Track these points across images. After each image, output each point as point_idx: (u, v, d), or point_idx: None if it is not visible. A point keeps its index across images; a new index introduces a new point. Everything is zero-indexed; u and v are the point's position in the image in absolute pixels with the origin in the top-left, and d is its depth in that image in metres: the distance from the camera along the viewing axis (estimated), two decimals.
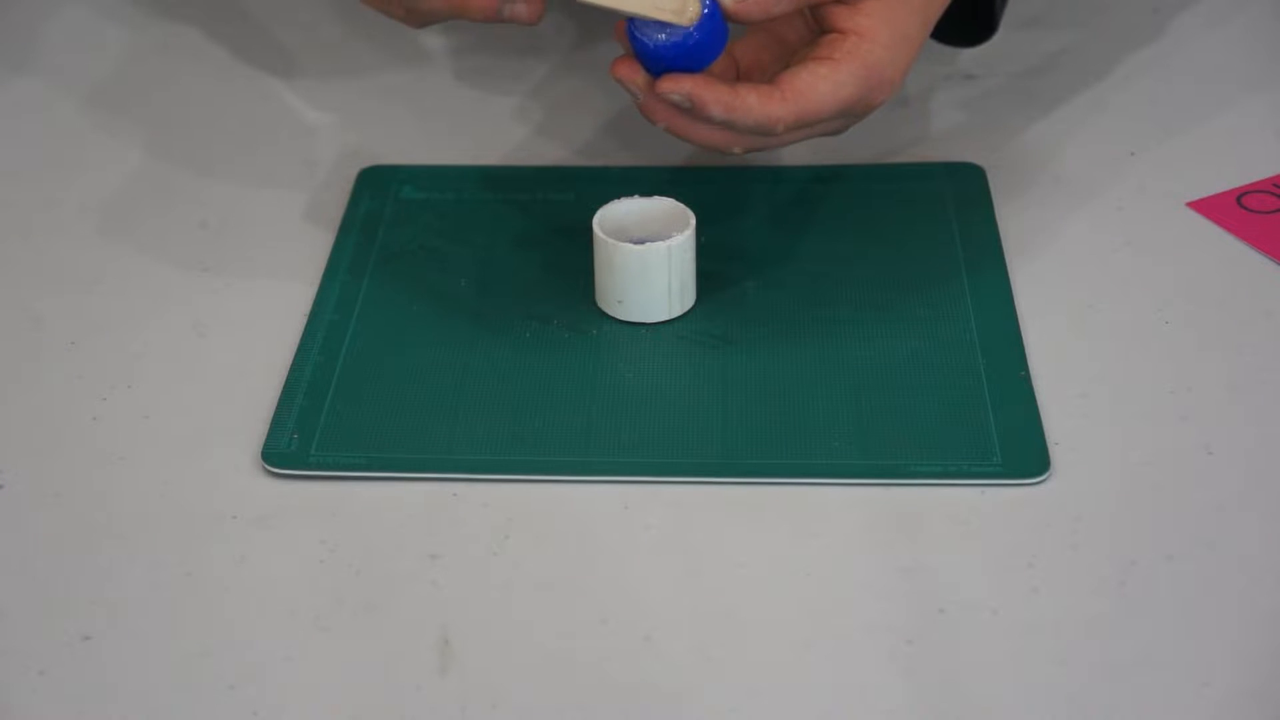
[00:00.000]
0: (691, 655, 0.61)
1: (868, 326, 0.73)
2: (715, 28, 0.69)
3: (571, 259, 0.76)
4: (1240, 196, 0.79)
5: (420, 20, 0.74)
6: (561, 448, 0.68)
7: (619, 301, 0.73)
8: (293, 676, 0.60)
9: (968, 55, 0.89)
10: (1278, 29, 0.92)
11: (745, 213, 0.79)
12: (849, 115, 0.73)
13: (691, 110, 0.70)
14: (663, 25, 0.69)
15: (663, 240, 0.72)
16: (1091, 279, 0.75)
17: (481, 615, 0.62)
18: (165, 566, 0.64)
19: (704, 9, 0.69)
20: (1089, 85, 0.87)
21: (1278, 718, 0.58)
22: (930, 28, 0.74)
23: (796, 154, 0.83)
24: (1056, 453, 0.67)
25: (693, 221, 0.73)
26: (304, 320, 0.74)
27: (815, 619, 0.62)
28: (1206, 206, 0.79)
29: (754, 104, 0.70)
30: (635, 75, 0.71)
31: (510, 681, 0.60)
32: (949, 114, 0.85)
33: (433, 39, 0.93)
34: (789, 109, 0.70)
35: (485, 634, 0.61)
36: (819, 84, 0.71)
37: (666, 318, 0.73)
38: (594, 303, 0.74)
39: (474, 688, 0.60)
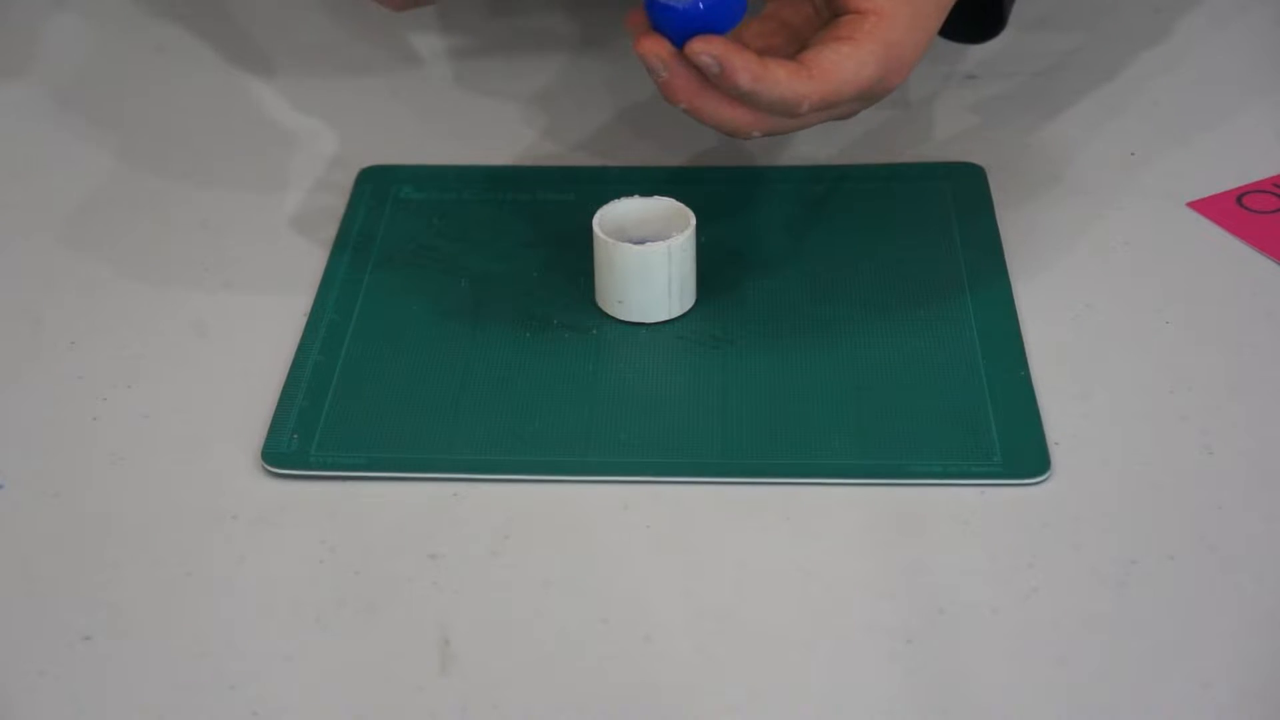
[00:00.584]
0: (691, 655, 0.61)
1: (868, 326, 0.73)
2: None
3: (571, 259, 0.76)
4: (1240, 196, 0.79)
5: (402, 2, 0.74)
6: (561, 448, 0.68)
7: (619, 301, 0.73)
8: (293, 676, 0.60)
9: (969, 56, 0.89)
10: (1278, 31, 0.92)
11: (745, 213, 0.79)
12: (866, 98, 0.72)
13: (719, 76, 0.69)
14: None
15: (663, 240, 0.72)
16: (1091, 279, 0.75)
17: (481, 615, 0.62)
18: (165, 566, 0.64)
19: None
20: (1090, 86, 0.87)
21: (1278, 718, 0.58)
22: (944, 13, 0.74)
23: (797, 154, 0.83)
24: (1056, 453, 0.67)
25: (693, 221, 0.73)
26: (304, 320, 0.74)
27: (815, 619, 0.62)
28: (1206, 206, 0.79)
29: (782, 77, 0.69)
30: (660, 47, 0.70)
31: (510, 681, 0.60)
32: (950, 114, 0.85)
33: (432, 39, 0.93)
34: (815, 88, 0.70)
35: (485, 634, 0.61)
36: (843, 63, 0.70)
37: (666, 318, 0.73)
38: (594, 303, 0.74)
39: (474, 688, 0.60)
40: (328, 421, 0.69)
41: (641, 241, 0.73)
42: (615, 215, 0.74)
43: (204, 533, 0.65)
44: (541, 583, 0.63)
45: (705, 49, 0.69)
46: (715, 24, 0.69)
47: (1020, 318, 0.73)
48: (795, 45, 0.74)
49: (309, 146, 0.85)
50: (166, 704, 0.60)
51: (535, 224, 0.79)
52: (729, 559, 0.64)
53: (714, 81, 0.70)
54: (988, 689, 0.59)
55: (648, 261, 0.72)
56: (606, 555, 0.64)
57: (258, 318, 0.75)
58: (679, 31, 0.69)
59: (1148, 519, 0.65)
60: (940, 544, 0.64)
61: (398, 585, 0.63)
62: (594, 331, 0.73)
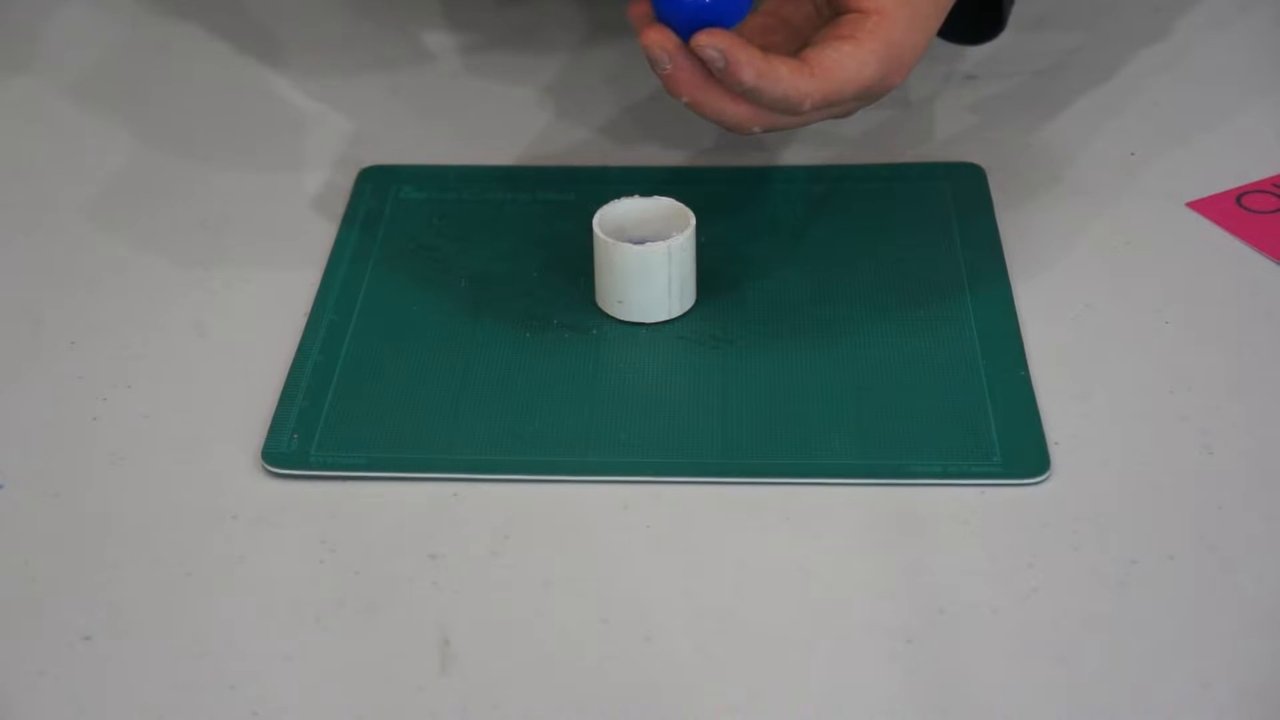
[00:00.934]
0: (691, 655, 0.61)
1: (868, 326, 0.73)
2: None
3: (571, 259, 0.76)
4: (1240, 196, 0.79)
5: None
6: (561, 448, 0.68)
7: (619, 301, 0.73)
8: (293, 676, 0.60)
9: (968, 56, 0.89)
10: (1278, 31, 0.92)
11: (745, 213, 0.79)
12: (865, 97, 0.72)
13: (724, 71, 0.69)
14: None
15: (663, 240, 0.72)
16: (1091, 279, 0.75)
17: (481, 615, 0.62)
18: (165, 566, 0.64)
19: None
20: (1089, 86, 0.87)
21: (1278, 718, 0.58)
22: (944, 14, 0.74)
23: (797, 154, 0.83)
24: (1056, 453, 0.67)
25: (693, 221, 0.73)
26: (304, 320, 0.74)
27: (815, 619, 0.62)
28: (1206, 206, 0.79)
29: (785, 74, 0.70)
30: (666, 39, 0.70)
31: (510, 681, 0.60)
32: (949, 114, 0.85)
33: (434, 35, 0.93)
34: (817, 86, 0.70)
35: (485, 634, 0.61)
36: (845, 61, 0.70)
37: (666, 318, 0.73)
38: (594, 303, 0.74)
39: (474, 688, 0.60)
40: (328, 421, 0.69)
41: (641, 241, 0.73)
42: (615, 215, 0.74)
43: (204, 533, 0.65)
44: (541, 583, 0.63)
45: (711, 42, 0.69)
46: (721, 18, 0.69)
47: (1020, 318, 0.73)
48: (796, 43, 0.74)
49: (310, 145, 0.85)
50: (166, 704, 0.60)
51: (535, 224, 0.79)
52: (729, 559, 0.64)
53: (718, 76, 0.70)
54: (988, 689, 0.59)
55: (648, 261, 0.72)
56: (606, 555, 0.64)
57: (258, 318, 0.75)
58: (684, 25, 0.70)
59: (1148, 519, 0.65)
60: (940, 544, 0.64)
61: (398, 585, 0.63)
62: (594, 331, 0.73)
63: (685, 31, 0.70)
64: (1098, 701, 0.59)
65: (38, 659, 0.61)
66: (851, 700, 0.59)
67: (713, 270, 0.75)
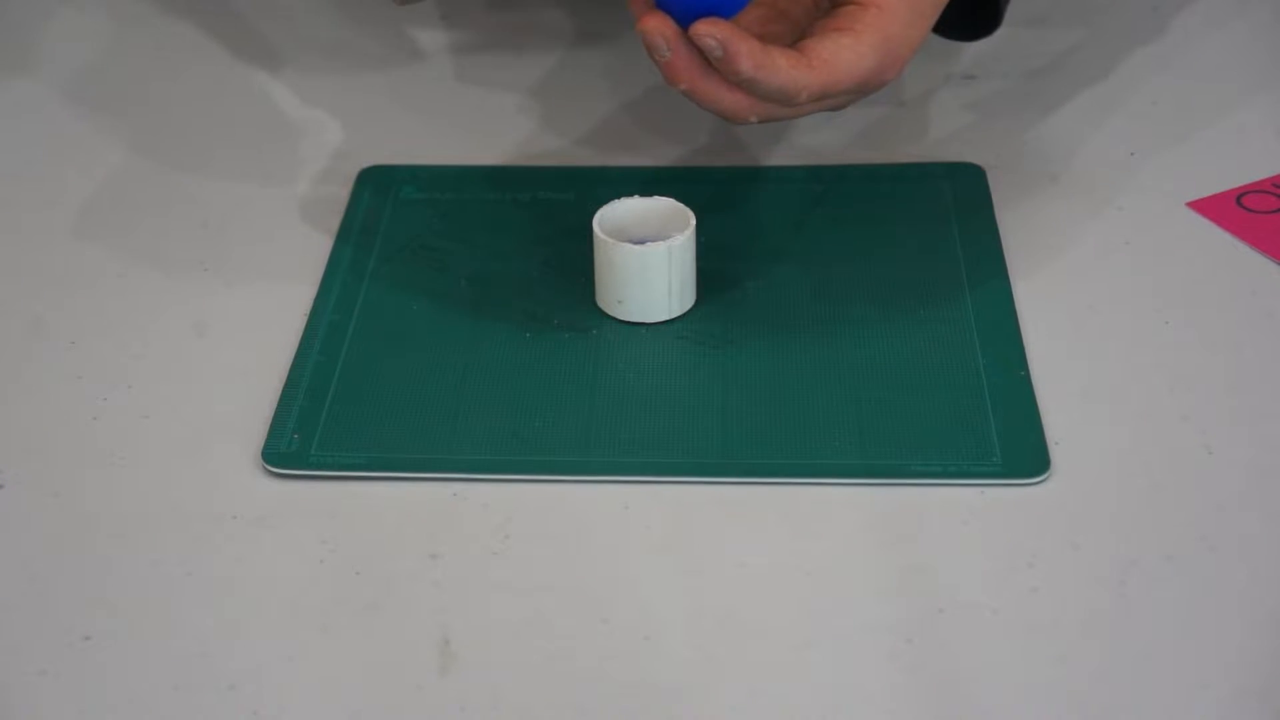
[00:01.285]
0: (691, 655, 0.61)
1: (868, 326, 0.73)
2: None
3: (571, 259, 0.76)
4: (1240, 196, 0.79)
5: None
6: (561, 448, 0.68)
7: (619, 301, 0.73)
8: (293, 676, 0.60)
9: (967, 56, 0.89)
10: (1278, 29, 0.92)
11: (745, 213, 0.79)
12: (861, 90, 0.73)
13: (721, 60, 0.69)
14: None
15: (663, 240, 0.72)
16: (1091, 279, 0.75)
17: (481, 615, 0.62)
18: (165, 566, 0.64)
19: None
20: (1089, 85, 0.87)
21: (1278, 719, 0.58)
22: (940, 9, 0.74)
23: (797, 154, 0.83)
24: (1056, 453, 0.67)
25: (693, 221, 0.73)
26: (304, 320, 0.74)
27: (815, 619, 0.62)
28: (1206, 206, 0.79)
29: (782, 65, 0.70)
30: (665, 27, 0.70)
31: (510, 681, 0.60)
32: (949, 114, 0.85)
33: (432, 35, 0.93)
34: (816, 77, 0.70)
35: (485, 634, 0.61)
36: (842, 54, 0.71)
37: (666, 318, 0.73)
38: (594, 303, 0.74)
39: (474, 688, 0.60)
40: (328, 421, 0.69)
41: (641, 241, 0.73)
42: (615, 215, 0.74)
43: (204, 533, 0.65)
44: (541, 582, 0.63)
45: (710, 32, 0.69)
46: (720, 8, 0.69)
47: (1020, 318, 0.73)
48: (793, 34, 0.74)
49: (310, 145, 0.85)
50: (166, 704, 0.60)
51: (535, 224, 0.79)
52: (729, 559, 0.64)
53: (716, 65, 0.70)
54: (988, 689, 0.59)
55: (648, 261, 0.72)
56: (606, 555, 0.64)
57: (258, 318, 0.75)
58: (683, 13, 0.70)
59: (1148, 519, 0.65)
60: (940, 544, 0.64)
61: (398, 585, 0.63)
62: (594, 331, 0.73)
63: (684, 20, 0.70)
64: (1097, 701, 0.59)
65: (38, 659, 0.61)
66: (851, 700, 0.59)
67: (713, 270, 0.75)
